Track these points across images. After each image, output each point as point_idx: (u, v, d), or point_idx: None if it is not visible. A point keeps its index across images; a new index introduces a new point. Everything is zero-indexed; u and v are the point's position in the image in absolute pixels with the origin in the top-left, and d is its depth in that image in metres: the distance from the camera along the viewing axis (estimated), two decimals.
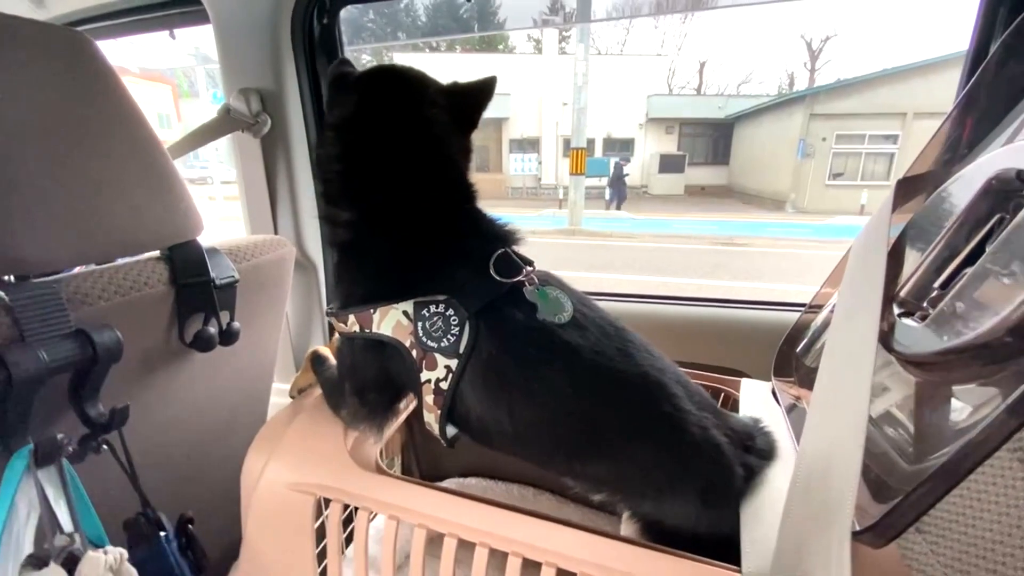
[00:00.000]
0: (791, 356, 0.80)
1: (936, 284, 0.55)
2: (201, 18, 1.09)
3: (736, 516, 0.60)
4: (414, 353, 0.59)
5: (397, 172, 0.62)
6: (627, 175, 15.04)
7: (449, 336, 0.57)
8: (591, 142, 16.63)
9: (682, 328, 1.06)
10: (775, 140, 14.90)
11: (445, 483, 1.12)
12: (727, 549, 0.54)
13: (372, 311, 0.60)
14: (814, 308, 0.80)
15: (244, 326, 0.83)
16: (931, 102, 11.94)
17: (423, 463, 1.15)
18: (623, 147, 18.58)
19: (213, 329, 0.77)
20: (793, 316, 0.95)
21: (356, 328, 0.61)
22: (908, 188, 0.66)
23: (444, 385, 0.58)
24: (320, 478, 0.61)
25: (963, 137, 0.64)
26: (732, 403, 0.86)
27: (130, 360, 0.64)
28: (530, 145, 18.29)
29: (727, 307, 1.06)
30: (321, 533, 0.64)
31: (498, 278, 0.60)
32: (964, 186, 0.55)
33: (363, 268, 0.64)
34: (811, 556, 0.48)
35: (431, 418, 0.62)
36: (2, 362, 0.51)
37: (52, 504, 0.56)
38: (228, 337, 0.79)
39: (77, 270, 0.66)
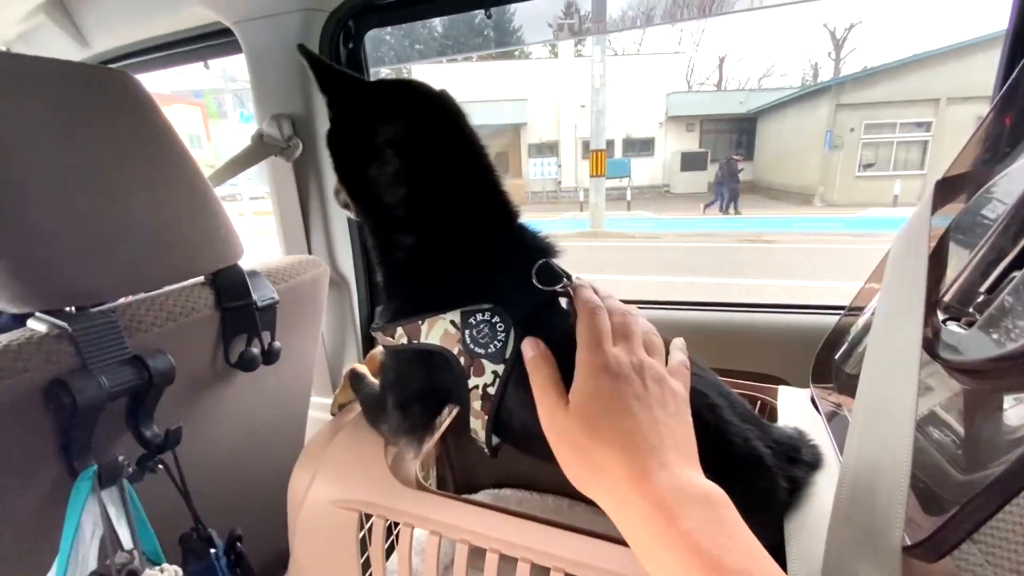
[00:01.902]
0: (830, 362, 0.78)
1: (982, 289, 0.54)
2: (234, 48, 1.14)
3: (778, 528, 0.59)
4: (462, 360, 0.60)
5: (459, 193, 0.64)
6: (741, 170, 13.21)
7: (496, 342, 0.59)
8: (610, 143, 16.54)
9: (716, 334, 1.05)
10: (800, 133, 14.55)
11: (480, 494, 1.13)
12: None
13: (420, 322, 0.61)
14: (854, 311, 0.78)
15: (283, 344, 0.85)
16: (966, 86, 11.51)
17: (457, 475, 1.16)
18: (643, 147, 18.42)
19: (256, 349, 0.80)
20: (831, 320, 0.93)
21: (404, 340, 0.63)
22: (948, 188, 0.65)
23: (491, 390, 0.60)
24: (362, 494, 0.63)
25: (1004, 134, 0.62)
26: (769, 411, 0.84)
27: (179, 382, 0.67)
28: (549, 149, 18.30)
29: (762, 311, 1.04)
30: (364, 547, 0.65)
31: (540, 287, 0.61)
32: (1010, 185, 0.54)
33: (414, 284, 0.65)
34: (860, 572, 0.47)
35: (478, 425, 0.63)
36: (68, 389, 0.54)
37: (114, 523, 0.59)
38: (270, 356, 0.82)
39: (129, 298, 0.69)
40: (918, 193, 12.63)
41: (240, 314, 0.77)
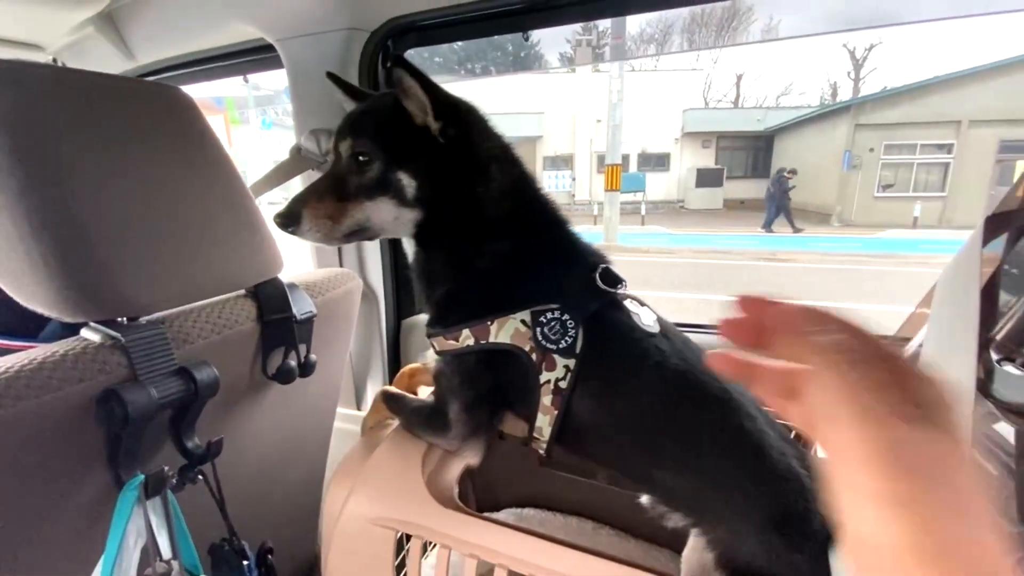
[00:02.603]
0: None
1: None
2: (274, 64, 1.17)
3: (816, 556, 0.58)
4: (534, 356, 0.65)
5: (540, 204, 0.73)
6: (792, 187, 12.45)
7: (567, 338, 0.64)
8: (625, 157, 16.56)
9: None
10: (818, 152, 14.46)
11: (502, 513, 1.13)
12: None
13: (490, 323, 0.66)
14: (900, 340, 0.77)
15: (316, 356, 0.86)
16: (987, 109, 11.41)
17: (479, 492, 1.15)
18: (658, 162, 18.43)
19: (293, 362, 0.81)
20: None
21: (471, 342, 0.66)
22: (998, 224, 0.64)
23: (563, 384, 0.65)
24: (401, 513, 0.63)
25: None
26: (804, 442, 0.83)
27: (219, 393, 0.68)
28: (563, 162, 18.37)
29: None
30: (400, 565, 0.65)
31: (604, 287, 0.68)
32: None
33: (488, 288, 0.70)
34: None
35: (544, 422, 0.67)
36: (120, 400, 0.55)
37: (155, 532, 0.60)
38: (306, 369, 0.83)
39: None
40: (939, 215, 12.46)
41: (280, 327, 0.78)
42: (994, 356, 0.55)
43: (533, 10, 1.04)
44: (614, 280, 0.70)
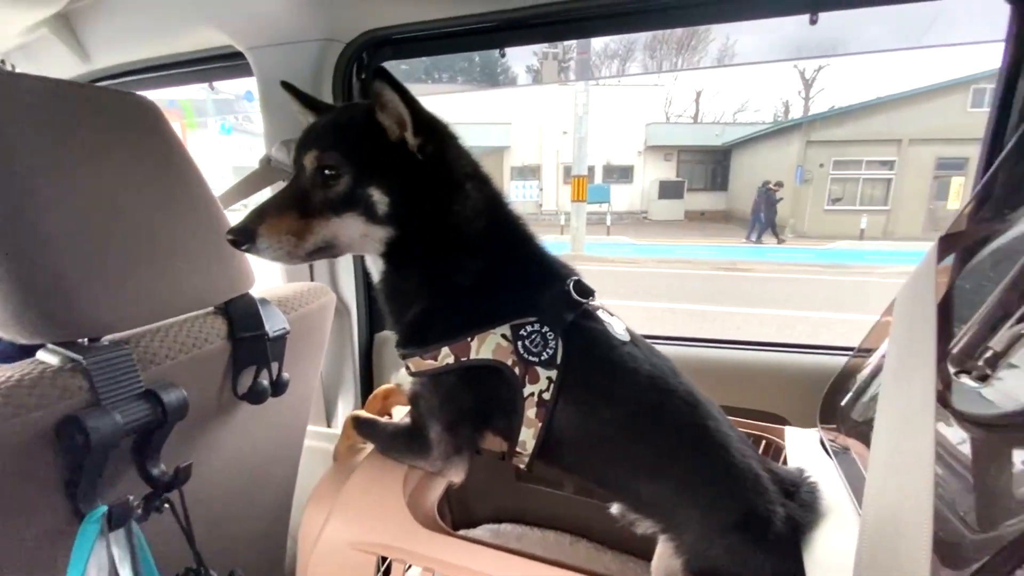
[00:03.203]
0: (836, 404, 0.81)
1: (992, 344, 0.56)
2: (244, 71, 1.14)
3: (780, 568, 0.61)
4: (516, 370, 0.65)
5: (511, 221, 0.73)
6: (780, 200, 13.01)
7: (548, 349, 0.65)
8: (591, 169, 16.85)
9: (721, 370, 1.07)
10: (772, 167, 15.11)
11: (479, 530, 1.12)
12: None
13: (470, 339, 0.65)
14: (862, 353, 0.81)
15: (288, 374, 0.84)
16: (926, 129, 12.24)
17: (455, 509, 1.14)
18: (623, 174, 18.85)
19: (265, 381, 0.78)
20: (833, 360, 0.96)
21: (450, 360, 0.65)
22: (949, 244, 0.68)
23: (547, 395, 0.65)
24: (382, 537, 0.61)
25: (999, 198, 0.66)
26: (774, 450, 0.86)
27: (187, 416, 0.65)
28: (531, 172, 18.55)
29: (766, 350, 1.07)
30: None
31: (578, 299, 0.69)
32: (1015, 247, 0.57)
33: (466, 304, 0.69)
34: None
35: (528, 435, 0.67)
36: (82, 427, 0.52)
37: (117, 564, 0.57)
38: (278, 388, 0.80)
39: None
40: (883, 228, 13.21)
41: (251, 345, 0.76)
42: (951, 369, 0.58)
43: (509, 28, 1.06)
44: (585, 292, 0.71)
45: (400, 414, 0.87)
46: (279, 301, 0.84)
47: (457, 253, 0.69)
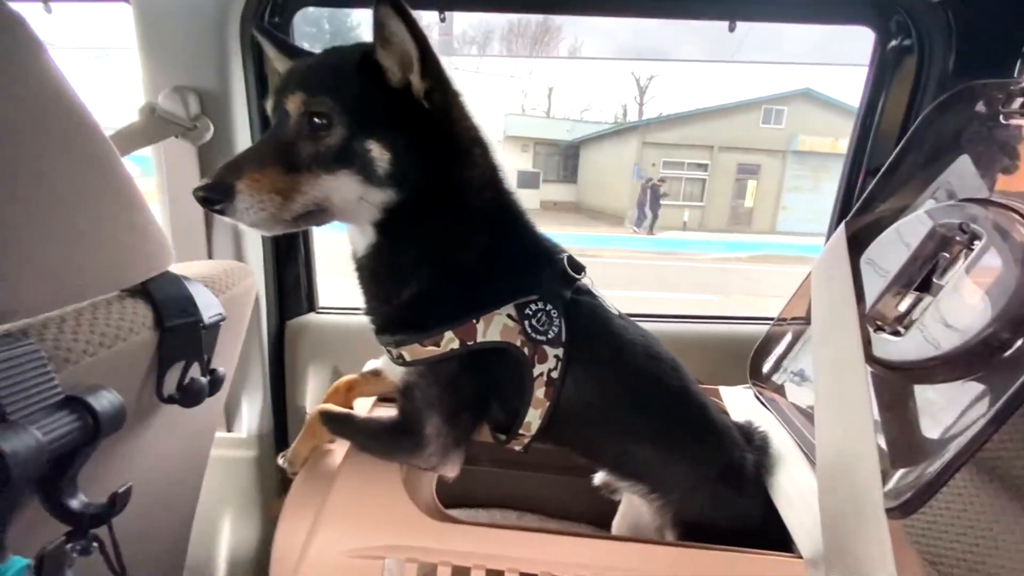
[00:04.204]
0: (761, 365, 0.94)
1: (899, 306, 0.71)
2: None
3: (755, 496, 0.71)
4: (525, 351, 0.62)
5: (511, 193, 0.69)
6: (665, 194, 14.24)
7: (553, 328, 0.64)
8: None
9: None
10: (615, 163, 16.75)
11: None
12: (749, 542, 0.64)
13: (476, 321, 0.61)
14: (780, 322, 0.95)
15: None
16: (730, 138, 14.70)
17: None
18: None
19: (204, 378, 0.64)
20: (742, 329, 1.12)
21: (455, 345, 0.60)
22: (851, 228, 0.83)
23: (555, 374, 0.64)
24: (388, 538, 0.55)
25: (892, 186, 0.82)
26: None
27: None
28: None
29: (673, 322, 1.19)
30: None
31: (572, 275, 0.69)
32: (911, 230, 0.72)
33: (467, 284, 0.64)
34: (855, 535, 0.57)
35: (534, 416, 0.65)
36: None
37: None
38: (214, 386, 0.67)
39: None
40: (700, 221, 15.54)
41: (183, 335, 0.61)
42: (869, 328, 0.72)
43: None
44: (578, 268, 0.71)
45: (362, 407, 0.78)
46: (203, 280, 0.69)
47: (463, 227, 0.63)
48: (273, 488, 1.17)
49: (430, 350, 0.60)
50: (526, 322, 0.63)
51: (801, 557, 0.59)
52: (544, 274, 0.67)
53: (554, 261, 0.69)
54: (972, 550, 0.67)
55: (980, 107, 0.72)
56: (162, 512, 0.81)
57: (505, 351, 0.62)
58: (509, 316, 0.62)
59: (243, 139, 0.96)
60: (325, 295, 1.23)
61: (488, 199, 0.65)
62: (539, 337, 0.63)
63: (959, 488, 0.70)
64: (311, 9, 1.02)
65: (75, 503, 0.48)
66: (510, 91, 20.85)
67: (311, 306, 1.19)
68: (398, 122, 0.57)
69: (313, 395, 1.13)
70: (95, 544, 0.49)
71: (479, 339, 0.61)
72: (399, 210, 0.60)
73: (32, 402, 0.42)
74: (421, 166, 0.58)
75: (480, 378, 0.65)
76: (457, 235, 0.63)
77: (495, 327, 0.61)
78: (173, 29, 0.89)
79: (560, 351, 0.64)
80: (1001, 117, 0.69)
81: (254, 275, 0.83)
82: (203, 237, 0.98)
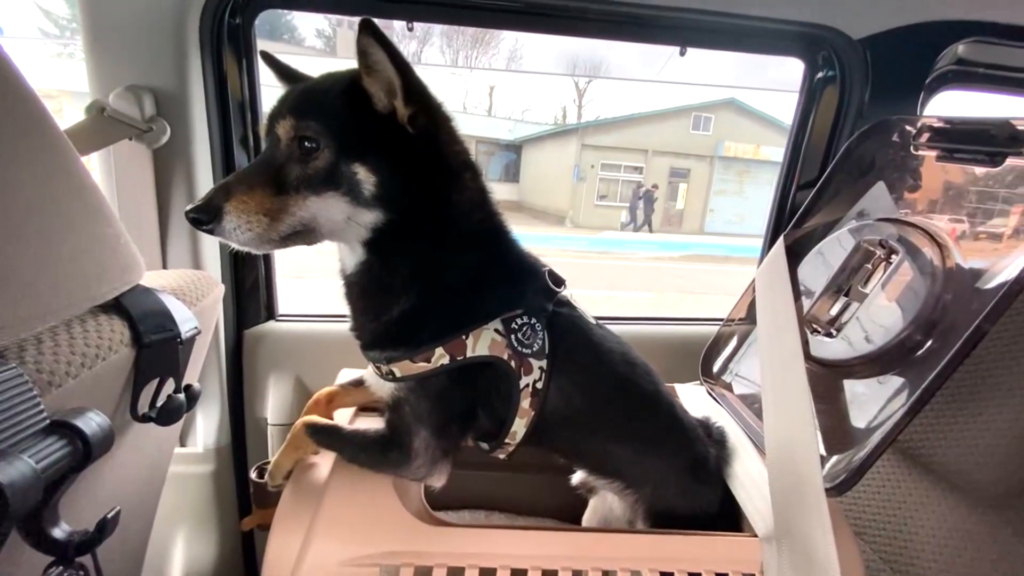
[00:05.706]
0: (712, 363, 1.03)
1: (831, 311, 0.81)
2: None
3: (717, 487, 0.78)
4: (512, 364, 0.65)
5: (498, 211, 0.72)
6: (656, 199, 15.14)
7: (538, 340, 0.67)
8: None
9: None
10: (555, 164, 17.07)
11: None
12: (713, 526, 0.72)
13: (465, 337, 0.63)
14: (729, 322, 1.04)
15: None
16: (663, 143, 15.43)
17: None
18: None
19: (181, 396, 0.62)
20: (690, 330, 1.21)
21: (445, 360, 0.63)
22: (789, 239, 0.93)
23: (539, 385, 0.67)
24: (386, 544, 0.56)
25: (822, 204, 0.93)
26: None
27: None
28: None
29: (628, 324, 1.26)
30: None
31: (553, 288, 0.73)
32: (839, 245, 0.83)
33: (458, 300, 0.66)
34: (801, 514, 0.66)
35: (519, 426, 0.68)
36: None
37: None
38: (191, 403, 0.65)
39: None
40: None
41: (160, 351, 0.59)
42: (807, 331, 0.82)
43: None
44: (558, 281, 0.75)
45: (342, 418, 0.78)
46: (174, 292, 0.67)
47: (454, 246, 0.65)
48: (232, 503, 1.12)
49: (421, 366, 0.62)
50: (512, 336, 0.66)
51: (756, 536, 0.67)
52: (528, 288, 0.70)
53: (537, 276, 0.73)
54: (891, 520, 0.78)
55: (896, 138, 0.84)
56: (118, 533, 0.77)
57: (493, 365, 0.65)
58: (496, 331, 0.65)
59: (202, 142, 0.92)
60: (284, 301, 1.20)
61: (477, 220, 0.68)
62: (525, 350, 0.66)
63: (880, 468, 0.81)
64: None
65: (58, 532, 0.46)
66: (452, 87, 20.71)
67: (271, 314, 1.15)
68: (384, 146, 0.59)
69: (274, 406, 1.10)
70: (80, 574, 0.47)
71: (468, 354, 0.63)
72: (388, 230, 0.62)
73: (20, 429, 0.40)
74: (408, 188, 0.61)
75: (468, 391, 0.67)
76: (448, 254, 0.65)
77: (483, 342, 0.64)
78: (126, 23, 0.84)
79: (544, 362, 0.67)
80: (912, 148, 0.80)
81: (222, 286, 0.81)
82: (157, 245, 0.94)
